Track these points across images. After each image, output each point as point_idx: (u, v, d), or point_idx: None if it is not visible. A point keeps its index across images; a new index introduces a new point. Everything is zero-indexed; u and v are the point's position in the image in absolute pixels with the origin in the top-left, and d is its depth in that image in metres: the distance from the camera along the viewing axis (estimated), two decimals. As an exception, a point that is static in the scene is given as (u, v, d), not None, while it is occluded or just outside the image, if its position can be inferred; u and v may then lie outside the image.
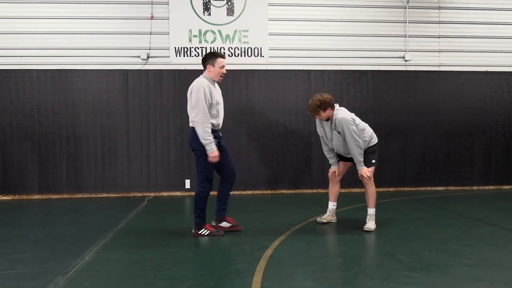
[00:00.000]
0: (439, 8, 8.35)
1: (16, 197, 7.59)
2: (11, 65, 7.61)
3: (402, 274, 3.37)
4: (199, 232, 4.63)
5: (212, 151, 4.40)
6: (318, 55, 8.13)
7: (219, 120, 4.63)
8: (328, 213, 5.27)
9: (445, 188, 8.25)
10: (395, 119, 8.21)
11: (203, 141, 4.37)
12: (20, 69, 7.61)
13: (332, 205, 5.28)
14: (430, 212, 5.97)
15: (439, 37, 8.37)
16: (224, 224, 4.85)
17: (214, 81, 4.64)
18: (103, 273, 3.51)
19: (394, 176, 8.20)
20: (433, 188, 8.22)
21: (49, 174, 7.64)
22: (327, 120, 4.89)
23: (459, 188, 8.29)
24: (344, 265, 3.75)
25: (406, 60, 8.29)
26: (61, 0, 7.69)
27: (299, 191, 8.00)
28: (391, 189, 8.14)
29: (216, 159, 4.45)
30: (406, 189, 8.20)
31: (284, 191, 7.99)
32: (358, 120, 4.89)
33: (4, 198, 7.56)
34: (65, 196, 7.64)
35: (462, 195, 7.60)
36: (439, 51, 8.38)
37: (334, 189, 5.26)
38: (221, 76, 4.64)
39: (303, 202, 7.04)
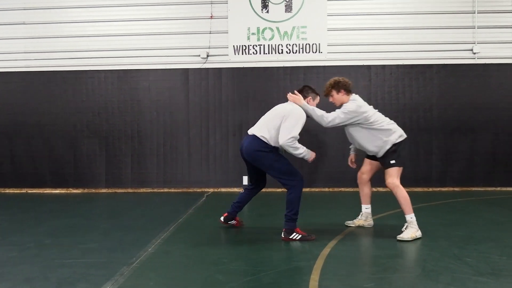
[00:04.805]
0: (513, -4, 7.80)
1: (86, 190, 8.06)
2: (82, 66, 8.09)
3: (469, 278, 3.19)
4: (290, 237, 4.37)
5: (309, 156, 4.58)
6: (378, 49, 7.89)
7: None
8: (360, 216, 4.98)
9: (518, 189, 7.72)
10: (463, 115, 7.78)
11: (300, 156, 4.53)
12: (90, 70, 8.06)
13: (364, 208, 4.95)
14: (501, 215, 5.60)
15: (512, 27, 7.83)
16: (232, 222, 5.03)
17: None
18: (165, 265, 3.64)
19: (462, 175, 7.78)
20: (504, 189, 7.70)
21: (115, 169, 8.05)
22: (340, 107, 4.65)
23: (534, 189, 7.71)
24: (407, 266, 3.62)
25: (474, 53, 7.81)
26: (125, 4, 8.05)
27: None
28: (457, 189, 7.74)
29: (314, 156, 4.63)
30: (474, 189, 7.74)
31: (343, 189, 7.84)
32: (374, 115, 4.56)
33: (75, 191, 8.07)
34: (129, 190, 8.02)
35: (538, 197, 7.07)
36: (512, 42, 7.84)
37: (364, 191, 4.94)
38: None
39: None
